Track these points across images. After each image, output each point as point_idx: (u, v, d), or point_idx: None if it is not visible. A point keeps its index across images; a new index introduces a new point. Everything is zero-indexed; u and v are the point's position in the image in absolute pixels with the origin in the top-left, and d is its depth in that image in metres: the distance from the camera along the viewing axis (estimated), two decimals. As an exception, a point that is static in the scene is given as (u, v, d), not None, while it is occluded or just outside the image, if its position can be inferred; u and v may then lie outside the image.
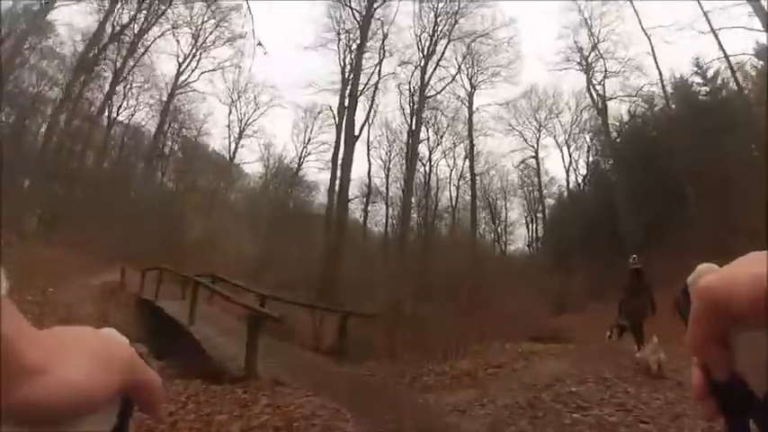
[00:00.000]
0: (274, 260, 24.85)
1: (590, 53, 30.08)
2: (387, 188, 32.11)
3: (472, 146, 31.64)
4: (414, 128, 29.81)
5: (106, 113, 30.19)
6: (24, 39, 24.33)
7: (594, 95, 29.85)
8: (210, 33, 31.66)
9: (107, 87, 28.75)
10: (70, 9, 26.10)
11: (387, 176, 32.09)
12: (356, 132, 28.26)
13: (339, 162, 27.47)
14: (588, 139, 31.35)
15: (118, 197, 26.56)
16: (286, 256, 25.19)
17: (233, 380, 6.25)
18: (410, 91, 30.60)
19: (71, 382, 0.28)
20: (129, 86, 30.59)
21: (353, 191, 30.07)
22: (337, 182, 27.96)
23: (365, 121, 29.39)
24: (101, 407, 0.30)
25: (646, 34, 26.38)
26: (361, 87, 28.66)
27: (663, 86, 26.45)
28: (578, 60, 30.70)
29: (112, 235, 21.96)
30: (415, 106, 30.06)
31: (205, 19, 31.14)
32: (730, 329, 0.28)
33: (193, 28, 31.07)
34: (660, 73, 26.27)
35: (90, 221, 22.89)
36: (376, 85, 29.71)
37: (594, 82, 29.86)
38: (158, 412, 0.35)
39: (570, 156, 31.97)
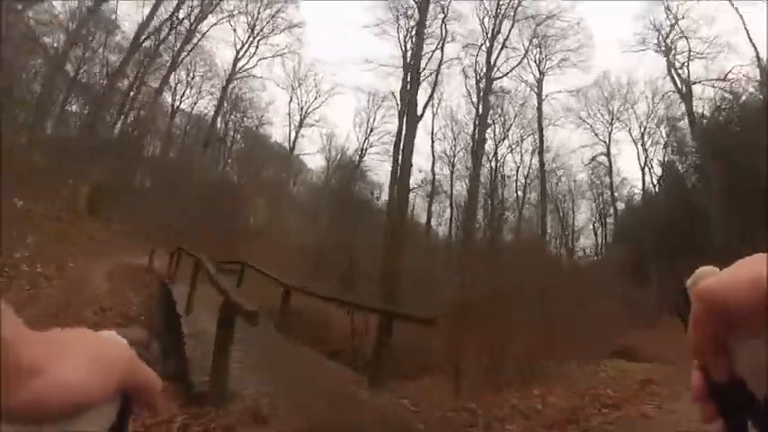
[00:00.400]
0: (334, 254, 23.23)
1: (669, 32, 26.08)
2: (451, 185, 29.58)
3: (542, 138, 28.64)
4: (480, 112, 26.95)
5: (169, 101, 29.88)
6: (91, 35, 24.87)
7: (677, 80, 25.82)
8: (267, 23, 30.64)
9: (170, 77, 28.54)
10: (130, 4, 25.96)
11: (451, 172, 29.48)
12: (419, 113, 25.78)
13: (401, 147, 25.21)
14: (665, 134, 27.36)
15: (179, 183, 26.04)
16: (346, 250, 23.32)
17: (189, 401, 3.83)
18: (476, 76, 27.84)
19: (70, 382, 0.27)
20: (191, 76, 30.12)
21: (417, 191, 27.88)
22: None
23: (427, 103, 26.90)
24: (99, 406, 0.29)
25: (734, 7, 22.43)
26: (423, 72, 26.20)
27: (760, 65, 22.20)
28: (656, 41, 26.84)
29: (166, 219, 21.50)
30: (482, 93, 27.26)
31: (260, 10, 30.25)
32: (730, 332, 0.27)
33: (249, 18, 30.24)
34: (756, 50, 22.22)
35: (149, 206, 22.73)
36: (438, 68, 27.14)
37: (677, 65, 25.95)
38: (157, 412, 0.32)
39: (646, 152, 28.06)
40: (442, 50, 27.05)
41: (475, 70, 27.85)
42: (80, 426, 0.28)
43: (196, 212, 23.00)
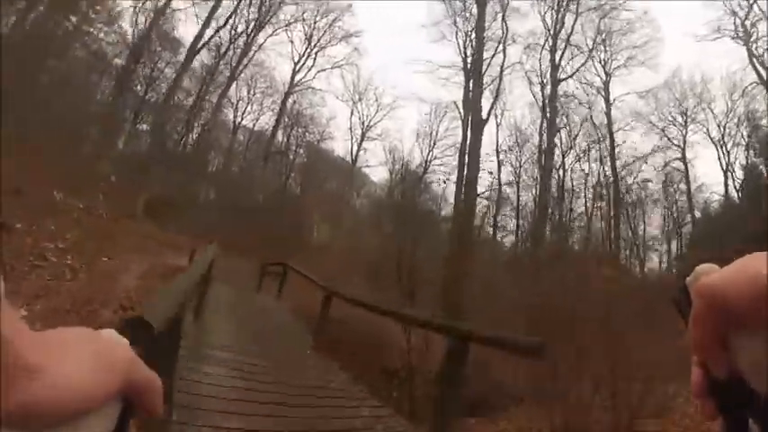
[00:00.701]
0: (394, 263, 21.53)
1: (747, 14, 22.91)
2: (517, 197, 27.68)
3: (613, 146, 26.13)
4: (549, 116, 25.05)
5: (231, 117, 29.90)
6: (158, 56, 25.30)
7: (759, 69, 22.61)
8: (324, 33, 30.22)
9: (228, 91, 28.71)
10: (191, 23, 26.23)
11: (517, 184, 27.36)
12: (483, 116, 24.33)
13: (467, 153, 23.74)
14: (745, 135, 24.03)
15: (241, 197, 25.95)
16: (407, 259, 21.87)
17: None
18: (540, 79, 25.99)
19: (71, 381, 0.27)
20: (252, 92, 30.02)
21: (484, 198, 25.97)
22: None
23: (491, 109, 25.37)
24: (100, 407, 0.29)
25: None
26: (484, 75, 24.66)
27: None
28: (733, 27, 23.69)
29: (226, 230, 20.89)
30: (547, 99, 25.40)
31: (317, 19, 29.85)
32: (730, 329, 0.27)
33: (306, 27, 29.93)
34: None
35: (211, 218, 22.70)
36: (500, 72, 25.54)
37: (758, 52, 22.70)
38: (158, 413, 0.33)
39: (728, 154, 24.89)
40: (504, 53, 25.59)
41: (539, 73, 26.19)
42: (80, 428, 0.27)
43: (257, 225, 22.76)
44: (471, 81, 24.45)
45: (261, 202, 28.06)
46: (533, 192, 26.36)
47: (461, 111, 25.36)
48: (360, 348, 7.77)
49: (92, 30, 23.12)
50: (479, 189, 24.53)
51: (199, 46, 26.14)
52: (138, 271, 9.36)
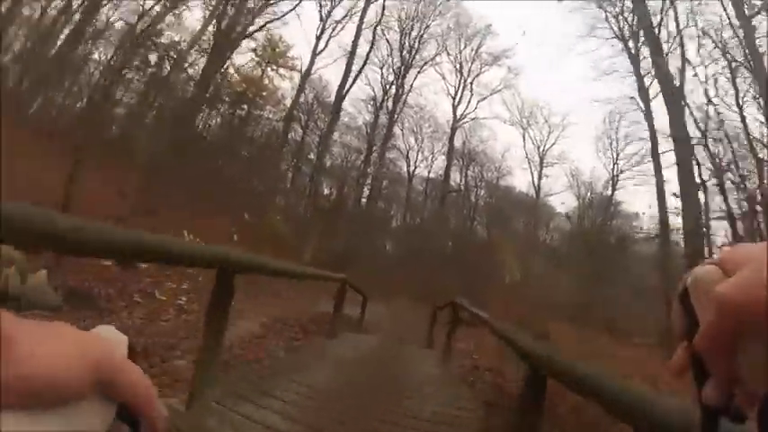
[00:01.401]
0: (595, 301, 19.40)
1: None
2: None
3: None
4: None
5: (405, 168, 29.16)
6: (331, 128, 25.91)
7: None
8: (473, 61, 28.03)
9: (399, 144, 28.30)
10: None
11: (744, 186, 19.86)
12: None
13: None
14: None
15: (424, 246, 24.89)
16: (609, 297, 19.70)
17: None
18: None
19: (46, 359, 0.26)
20: (419, 138, 29.08)
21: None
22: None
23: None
24: (73, 398, 0.27)
25: None
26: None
27: None
28: None
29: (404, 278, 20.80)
30: None
31: (461, 49, 27.87)
32: (742, 336, 0.26)
33: (452, 60, 28.18)
34: None
35: (391, 267, 22.57)
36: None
37: None
38: (150, 414, 0.30)
39: None
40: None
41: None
42: (66, 420, 0.26)
43: (445, 272, 21.44)
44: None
45: (449, 248, 26.53)
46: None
47: (642, 105, 20.99)
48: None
49: (263, 113, 25.24)
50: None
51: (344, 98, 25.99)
52: (258, 319, 7.18)
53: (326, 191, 27.35)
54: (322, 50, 25.07)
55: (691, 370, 0.29)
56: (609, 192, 26.09)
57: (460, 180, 29.15)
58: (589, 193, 27.96)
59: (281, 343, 5.92)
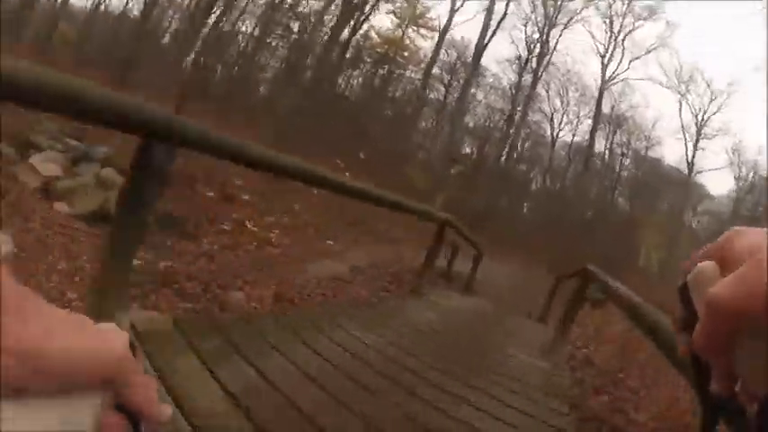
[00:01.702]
0: None
1: None
2: None
3: None
4: None
5: (548, 132, 27.66)
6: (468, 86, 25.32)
7: None
8: (625, 16, 24.70)
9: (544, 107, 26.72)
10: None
11: None
12: None
13: None
14: None
15: (561, 213, 23.84)
16: None
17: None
18: None
19: (68, 339, 0.25)
20: (565, 101, 27.15)
21: None
22: None
23: None
24: (78, 389, 0.26)
25: None
26: None
27: None
28: None
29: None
30: None
31: (611, 2, 24.60)
32: (740, 334, 0.26)
33: (602, 15, 25.13)
34: None
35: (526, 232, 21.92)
36: None
37: None
38: (151, 414, 0.29)
39: None
40: None
41: None
42: (63, 415, 0.25)
43: (579, 243, 20.16)
44: None
45: (587, 217, 25.02)
46: None
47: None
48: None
49: (405, 72, 25.24)
50: None
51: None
52: (351, 260, 6.49)
53: (467, 150, 26.92)
54: (460, 6, 24.22)
55: (691, 366, 0.29)
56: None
57: (605, 147, 26.94)
58: (752, 174, 24.22)
59: (364, 292, 5.06)
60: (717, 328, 0.25)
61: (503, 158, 25.88)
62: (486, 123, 27.05)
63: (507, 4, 24.39)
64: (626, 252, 22.62)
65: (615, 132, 26.41)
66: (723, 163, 25.47)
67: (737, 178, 24.69)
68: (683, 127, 25.47)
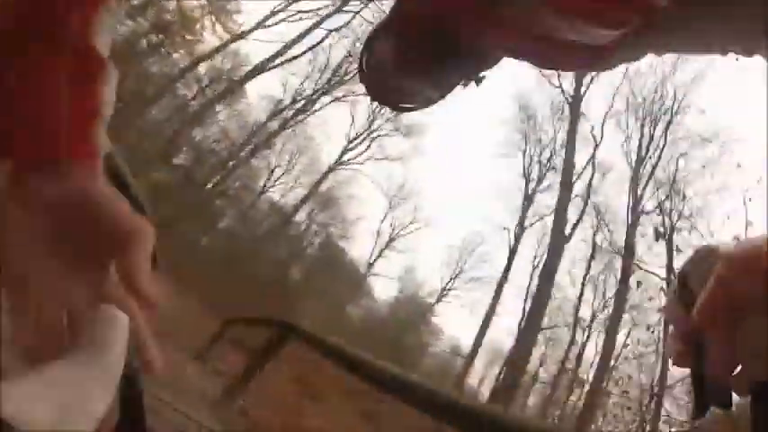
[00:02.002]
0: None
1: None
2: None
3: None
4: None
5: None
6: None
7: None
8: None
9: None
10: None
11: None
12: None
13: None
14: None
15: None
16: None
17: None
18: None
19: (112, 203, 0.31)
20: None
21: None
22: None
23: None
24: (96, 257, 0.30)
25: None
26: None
27: None
28: None
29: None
30: None
31: None
32: (743, 313, 0.25)
33: None
34: None
35: None
36: None
37: None
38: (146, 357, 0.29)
39: None
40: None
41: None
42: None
43: None
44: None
45: None
46: None
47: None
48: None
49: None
50: None
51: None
52: None
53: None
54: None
55: (691, 355, 0.29)
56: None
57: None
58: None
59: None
60: (725, 291, 0.25)
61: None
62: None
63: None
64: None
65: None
66: None
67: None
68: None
